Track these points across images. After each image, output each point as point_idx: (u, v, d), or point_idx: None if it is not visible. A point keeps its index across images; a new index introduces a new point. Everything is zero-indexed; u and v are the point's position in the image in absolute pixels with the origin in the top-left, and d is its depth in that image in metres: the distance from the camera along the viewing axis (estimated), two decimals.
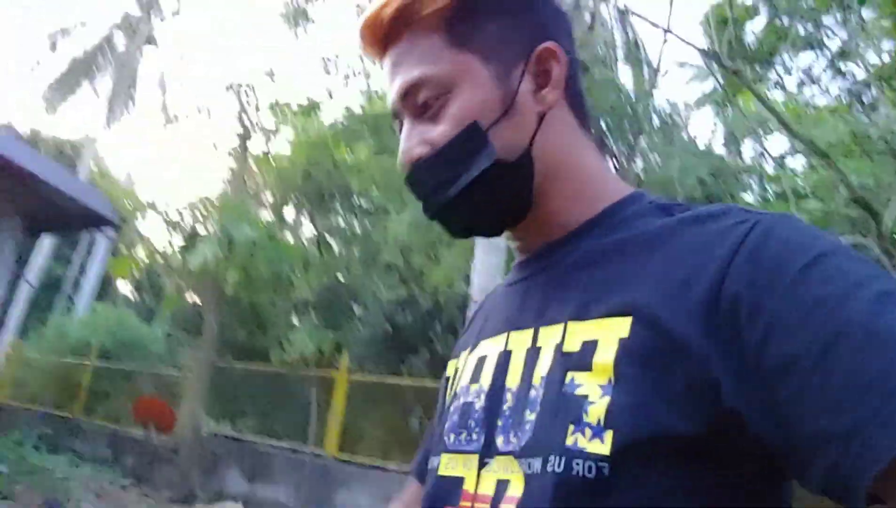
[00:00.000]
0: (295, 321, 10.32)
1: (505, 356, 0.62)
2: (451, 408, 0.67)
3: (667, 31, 5.59)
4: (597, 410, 0.50)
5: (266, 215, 11.47)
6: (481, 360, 0.66)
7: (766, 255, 0.49)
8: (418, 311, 8.37)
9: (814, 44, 8.47)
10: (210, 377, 8.32)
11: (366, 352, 8.50)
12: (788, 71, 9.31)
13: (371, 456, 6.63)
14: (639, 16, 5.40)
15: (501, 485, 0.55)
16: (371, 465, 6.46)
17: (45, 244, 15.52)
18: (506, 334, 0.64)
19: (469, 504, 0.58)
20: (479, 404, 0.62)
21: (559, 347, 0.56)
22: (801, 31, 8.75)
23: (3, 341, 12.05)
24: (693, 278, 0.51)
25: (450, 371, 0.75)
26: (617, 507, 0.49)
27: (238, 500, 6.86)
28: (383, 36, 0.65)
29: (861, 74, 8.48)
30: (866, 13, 7.45)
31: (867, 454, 0.41)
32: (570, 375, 0.53)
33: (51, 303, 16.87)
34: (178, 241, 9.61)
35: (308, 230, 13.32)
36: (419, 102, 0.63)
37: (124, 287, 19.25)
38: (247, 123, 10.23)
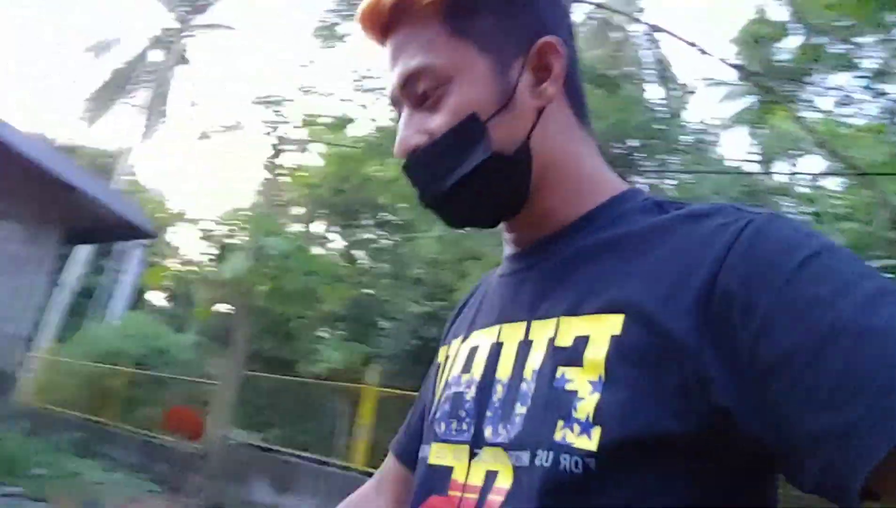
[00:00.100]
0: (323, 333, 10.40)
1: (496, 348, 0.62)
2: (443, 397, 0.67)
3: (700, 49, 5.59)
4: (586, 406, 0.51)
5: (296, 228, 11.61)
6: (473, 350, 0.66)
7: (759, 253, 0.49)
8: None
9: (850, 63, 8.36)
10: (239, 387, 8.42)
11: (393, 366, 8.53)
12: (823, 90, 9.21)
13: None
14: (669, 33, 5.40)
15: (490, 476, 0.56)
16: None
17: (81, 253, 15.89)
18: (498, 326, 0.64)
19: (459, 493, 0.58)
20: (470, 394, 0.62)
21: (552, 341, 0.56)
22: (836, 51, 8.66)
23: (41, 346, 12.34)
24: (686, 277, 0.51)
25: (440, 358, 0.75)
26: (603, 503, 0.49)
27: None
28: (384, 23, 0.65)
29: None
30: None
31: (861, 451, 0.41)
32: (560, 370, 0.54)
33: (86, 311, 17.24)
34: (211, 252, 9.78)
35: (336, 244, 13.45)
36: (418, 92, 0.62)
37: (155, 296, 19.61)
38: (279, 136, 10.40)
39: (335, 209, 12.22)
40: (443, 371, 0.71)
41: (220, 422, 8.06)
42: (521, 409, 0.55)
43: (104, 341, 11.04)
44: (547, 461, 0.51)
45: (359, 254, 12.84)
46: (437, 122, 0.62)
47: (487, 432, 0.58)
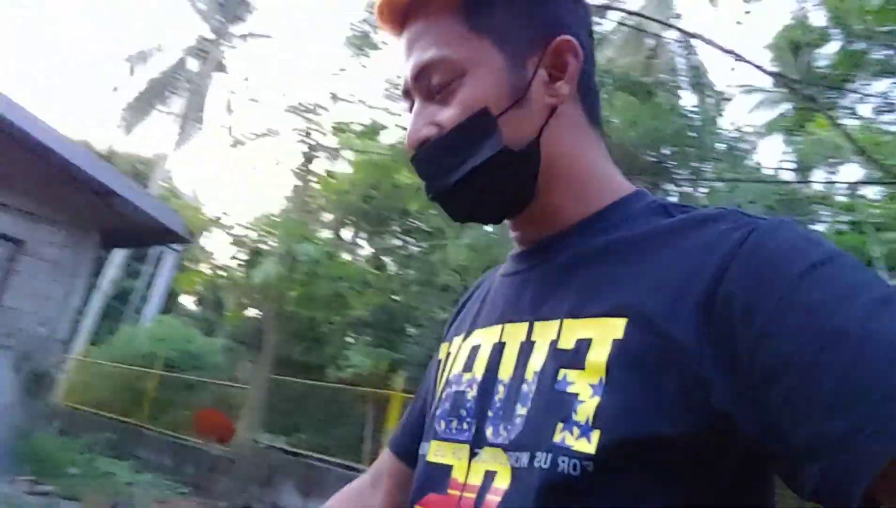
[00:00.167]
0: (351, 339, 10.46)
1: (499, 348, 0.62)
2: (444, 395, 0.66)
3: (736, 56, 5.49)
4: (586, 409, 0.50)
5: (325, 234, 11.72)
6: (475, 349, 0.65)
7: (762, 259, 0.49)
8: None
9: (892, 70, 8.14)
10: (267, 391, 8.49)
11: (420, 372, 8.52)
12: (864, 97, 8.98)
13: None
14: (704, 40, 5.31)
15: (489, 476, 0.56)
16: None
17: (117, 257, 16.25)
18: (500, 325, 0.64)
19: (458, 492, 0.58)
20: (472, 394, 0.62)
21: (554, 343, 0.56)
22: (877, 56, 8.44)
23: (76, 348, 12.62)
24: (690, 282, 0.50)
25: (441, 354, 0.75)
26: (600, 506, 0.49)
27: None
28: (401, 14, 0.65)
29: None
30: None
31: (862, 458, 0.40)
32: (562, 372, 0.54)
33: (120, 314, 17.62)
34: (242, 257, 9.92)
35: (365, 250, 13.53)
36: (431, 84, 0.62)
37: (187, 300, 19.94)
38: (310, 143, 10.52)
39: (364, 216, 12.30)
40: (443, 369, 0.71)
41: (249, 426, 8.13)
42: (521, 410, 0.55)
43: (137, 343, 11.26)
44: (546, 463, 0.51)
45: (387, 260, 12.89)
46: (449, 114, 0.61)
47: (488, 432, 0.58)
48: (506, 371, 0.59)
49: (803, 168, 10.75)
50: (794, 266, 0.47)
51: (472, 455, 0.59)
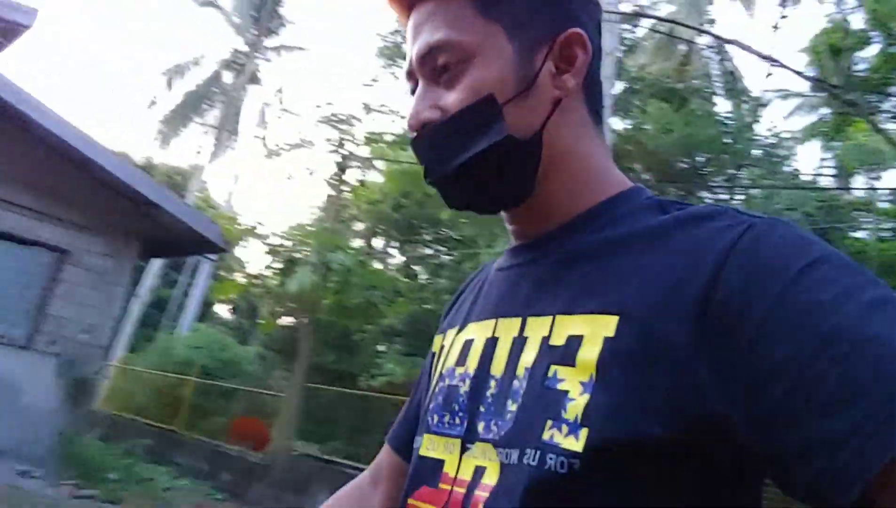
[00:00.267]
0: (383, 347, 10.51)
1: (491, 343, 0.61)
2: (437, 389, 0.66)
3: (774, 61, 5.40)
4: (575, 407, 0.50)
5: (357, 243, 11.83)
6: (468, 343, 0.65)
7: (758, 259, 0.48)
8: None
9: None
10: (301, 399, 8.57)
11: None
12: None
13: None
14: (739, 45, 5.23)
15: (479, 471, 0.55)
16: None
17: (155, 266, 16.62)
18: (494, 320, 0.63)
19: (448, 486, 0.58)
20: (464, 388, 0.61)
21: (546, 339, 0.55)
22: None
23: (115, 356, 12.93)
24: (684, 281, 0.50)
25: (436, 347, 0.74)
26: (586, 504, 0.49)
27: None
28: None
29: None
30: None
31: (858, 461, 0.40)
32: (553, 369, 0.53)
33: (157, 322, 17.99)
34: (276, 266, 10.06)
35: (396, 259, 13.62)
36: (437, 66, 0.61)
37: (221, 309, 20.29)
38: (343, 153, 10.65)
39: (396, 225, 12.38)
40: (437, 362, 0.71)
41: (284, 433, 8.22)
42: (512, 406, 0.55)
43: (174, 351, 11.48)
44: (534, 460, 0.50)
45: (418, 269, 12.95)
46: (453, 98, 0.60)
47: (480, 427, 0.57)
48: (498, 367, 0.59)
49: (843, 174, 10.49)
50: (790, 266, 0.47)
51: (464, 449, 0.58)
